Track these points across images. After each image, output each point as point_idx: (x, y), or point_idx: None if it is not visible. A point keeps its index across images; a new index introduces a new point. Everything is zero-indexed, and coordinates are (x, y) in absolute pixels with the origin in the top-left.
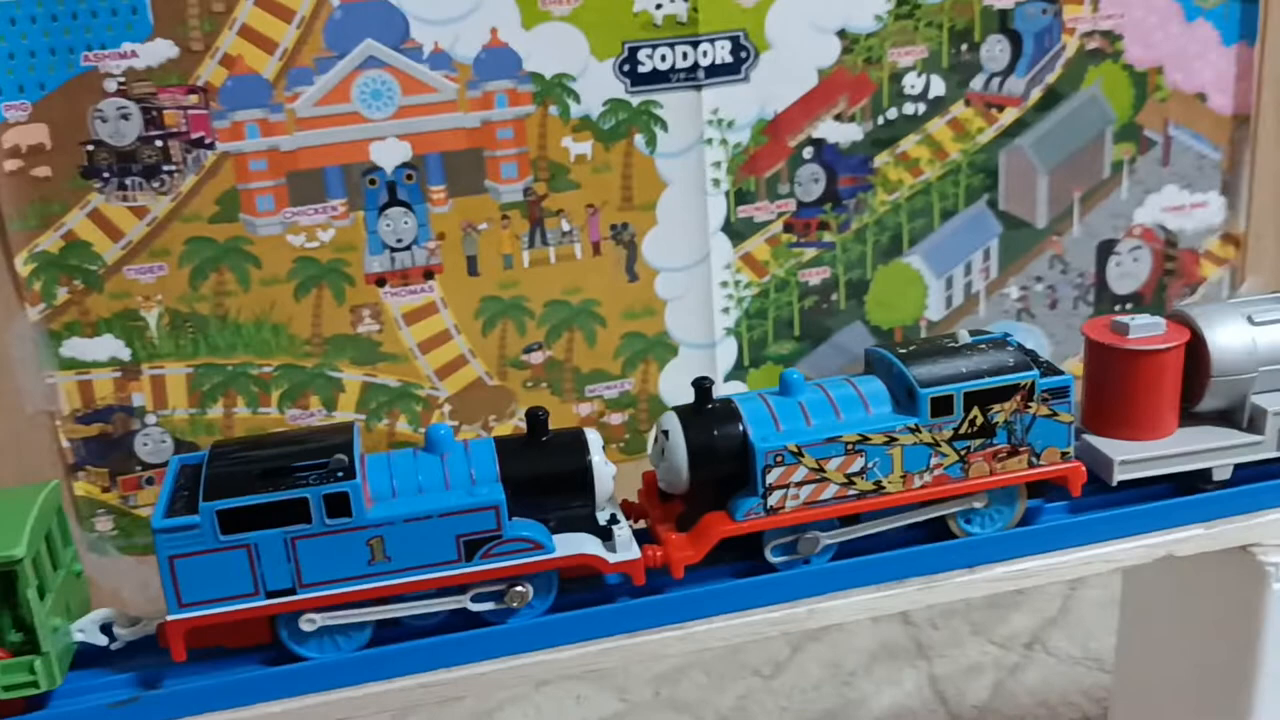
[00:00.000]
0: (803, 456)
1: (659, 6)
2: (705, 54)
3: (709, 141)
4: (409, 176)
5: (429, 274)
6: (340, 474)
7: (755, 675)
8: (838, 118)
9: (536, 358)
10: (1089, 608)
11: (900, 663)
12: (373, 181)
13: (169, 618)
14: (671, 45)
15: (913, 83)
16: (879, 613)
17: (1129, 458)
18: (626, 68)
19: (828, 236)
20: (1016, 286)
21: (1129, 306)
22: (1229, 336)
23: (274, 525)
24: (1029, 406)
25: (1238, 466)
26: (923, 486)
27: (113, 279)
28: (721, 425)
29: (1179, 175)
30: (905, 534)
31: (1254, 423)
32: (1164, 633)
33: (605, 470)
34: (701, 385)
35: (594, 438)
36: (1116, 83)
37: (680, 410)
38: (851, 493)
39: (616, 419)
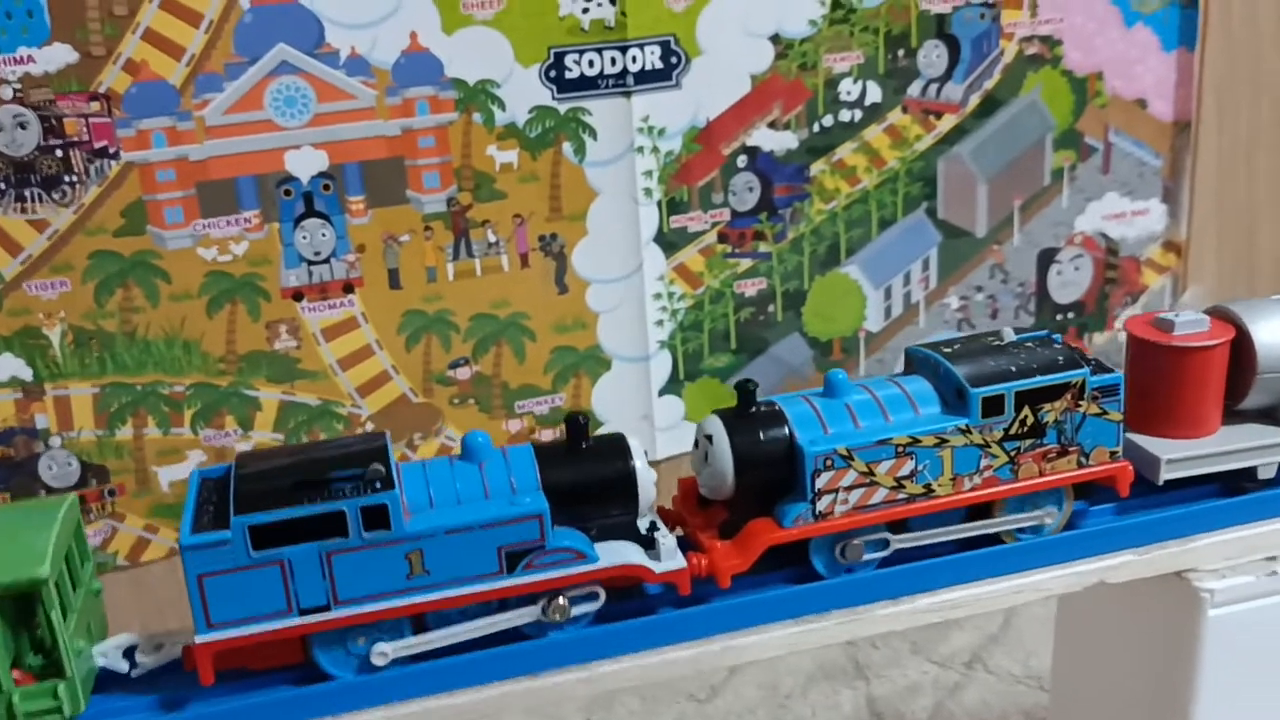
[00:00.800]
0: (853, 460)
1: (586, 11)
2: (635, 60)
3: (640, 150)
4: (326, 187)
5: (349, 288)
6: (378, 484)
7: (690, 700)
8: (772, 125)
9: (463, 373)
10: (1031, 624)
11: (838, 684)
12: (288, 192)
13: (198, 639)
14: (599, 51)
15: (849, 89)
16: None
17: (1175, 456)
18: (553, 74)
19: (763, 247)
20: (957, 296)
21: (1070, 316)
22: (1274, 333)
23: (308, 539)
24: (1079, 405)
25: None
26: (972, 489)
27: (12, 295)
28: (767, 428)
29: (1120, 182)
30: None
31: None
32: (1101, 656)
33: (648, 476)
34: (745, 388)
35: (635, 444)
36: (1056, 89)
37: (723, 414)
38: (901, 496)
39: (548, 435)
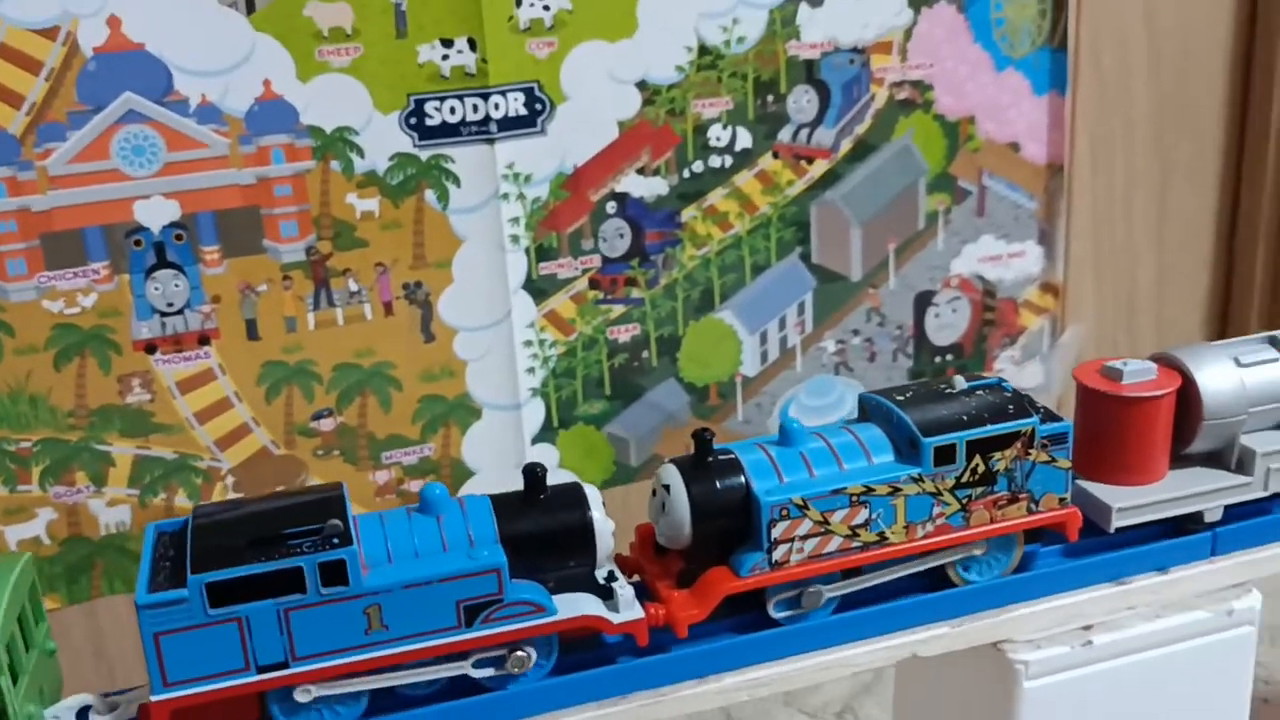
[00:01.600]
0: (808, 509)
1: (446, 58)
2: (497, 106)
3: (505, 196)
4: (179, 237)
5: (204, 339)
6: (335, 540)
7: None
8: (641, 171)
9: (327, 424)
10: None
11: None
12: (138, 243)
13: (154, 698)
14: (461, 97)
15: (718, 135)
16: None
17: (1126, 504)
18: (413, 121)
19: (636, 293)
20: (833, 340)
21: (949, 358)
22: (1219, 380)
23: (266, 596)
24: (1029, 453)
25: (1227, 507)
26: (925, 536)
27: None
28: (724, 478)
29: (995, 225)
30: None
31: (1242, 464)
32: None
33: (606, 527)
34: (702, 437)
35: (593, 493)
36: (928, 133)
37: (680, 463)
38: (855, 545)
39: (417, 486)
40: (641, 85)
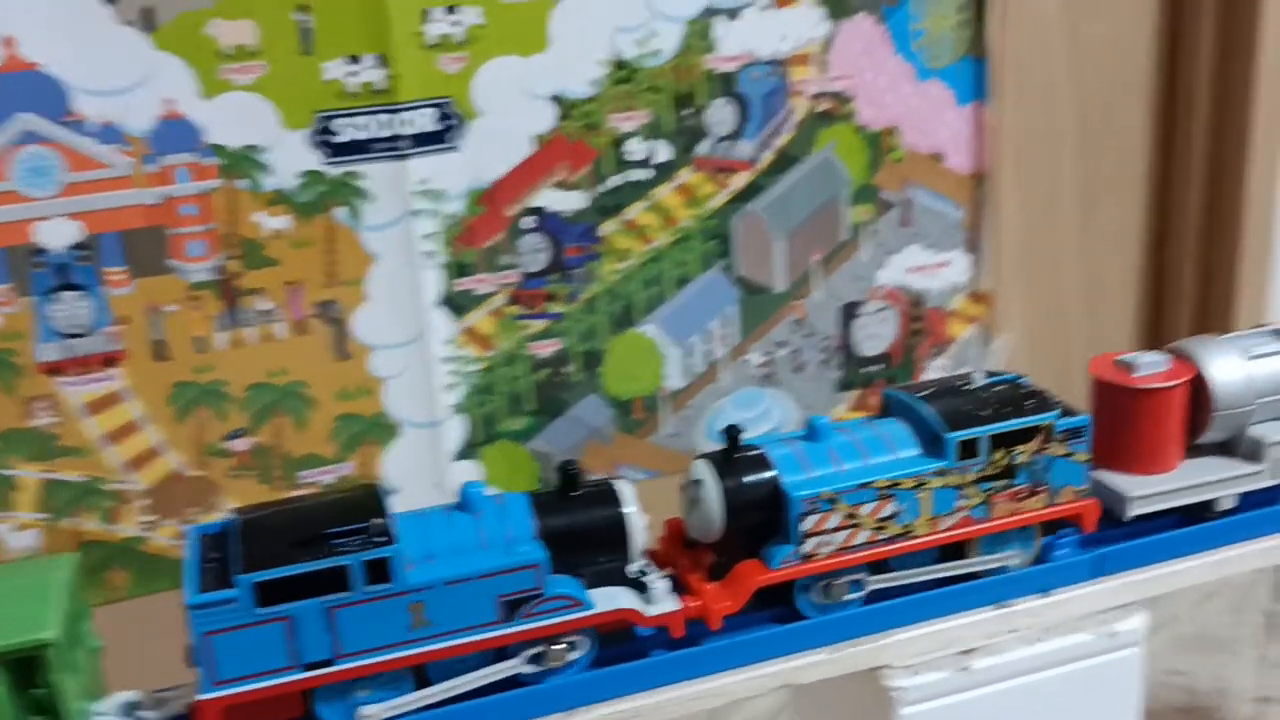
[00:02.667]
0: (837, 503)
1: (354, 74)
2: (408, 123)
3: (419, 213)
4: (82, 258)
5: (111, 360)
6: (380, 539)
7: None
8: (559, 186)
9: (241, 445)
10: None
11: None
12: (40, 265)
13: (203, 696)
14: (370, 114)
15: (636, 148)
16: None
17: (1141, 493)
18: (321, 138)
19: (556, 308)
20: (759, 352)
21: (878, 369)
22: (1228, 371)
23: (312, 595)
24: (1048, 447)
25: (1240, 496)
26: (949, 529)
27: None
28: (754, 472)
29: (921, 235)
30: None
31: (1252, 453)
32: None
33: (639, 522)
34: (731, 432)
35: (626, 489)
36: (850, 144)
37: (711, 458)
38: (882, 537)
39: None
40: (556, 100)
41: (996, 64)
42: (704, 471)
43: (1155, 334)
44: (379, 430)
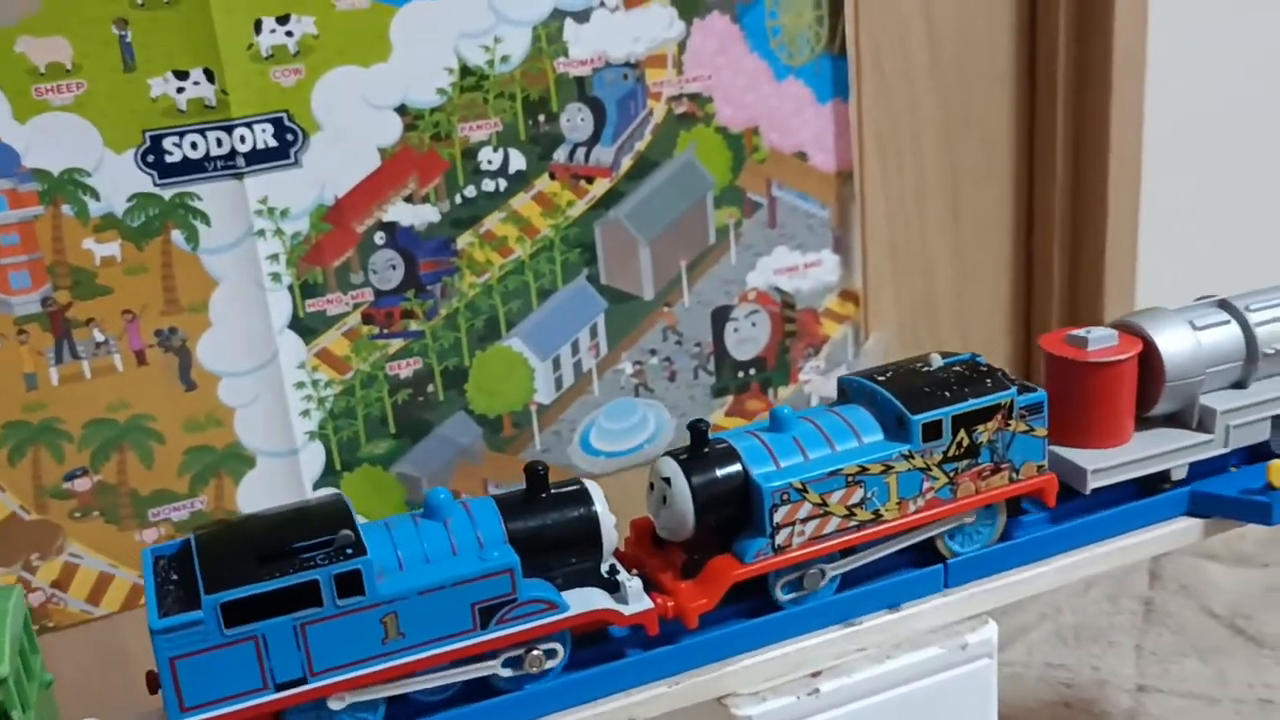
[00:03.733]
0: (807, 493)
1: (181, 90)
2: (243, 139)
3: (261, 233)
4: None
5: None
6: (349, 550)
7: None
8: (409, 199)
9: (82, 484)
10: None
11: None
12: None
13: None
14: (202, 131)
15: (489, 158)
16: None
17: (1099, 466)
18: (151, 158)
19: (414, 325)
20: (630, 362)
21: (752, 373)
22: (1178, 343)
23: (282, 612)
24: (1009, 424)
25: (1191, 465)
26: (916, 511)
27: None
28: (723, 466)
29: (788, 236)
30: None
31: (1204, 422)
32: None
33: (610, 521)
34: (697, 427)
35: (595, 489)
36: (711, 146)
37: (677, 455)
38: (852, 524)
39: None
40: (401, 110)
41: (855, 60)
42: (672, 469)
43: (1027, 324)
44: (233, 461)
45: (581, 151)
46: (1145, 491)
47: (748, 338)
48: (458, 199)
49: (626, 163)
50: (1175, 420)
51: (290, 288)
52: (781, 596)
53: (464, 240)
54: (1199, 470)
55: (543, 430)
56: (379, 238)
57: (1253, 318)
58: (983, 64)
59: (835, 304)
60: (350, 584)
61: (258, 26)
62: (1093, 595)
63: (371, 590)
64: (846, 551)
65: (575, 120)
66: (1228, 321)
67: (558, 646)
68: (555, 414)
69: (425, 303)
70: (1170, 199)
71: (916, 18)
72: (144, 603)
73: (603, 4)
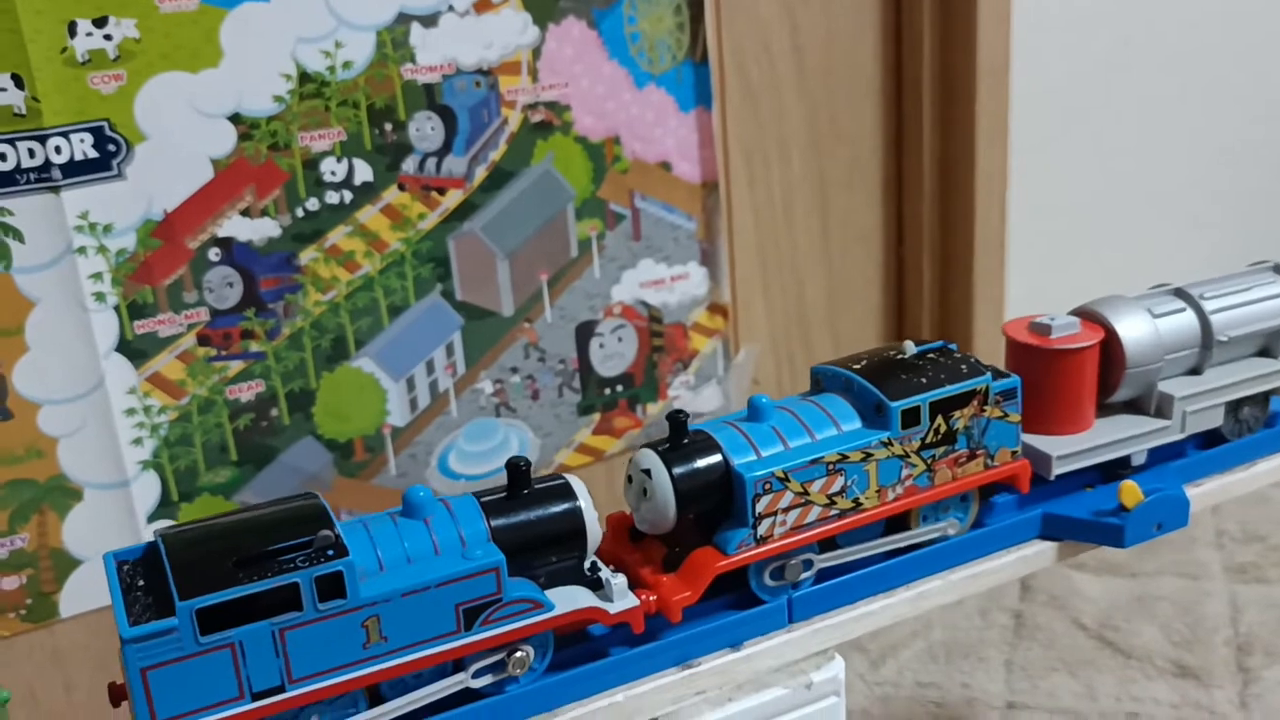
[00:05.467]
0: (789, 482)
1: None
2: (59, 150)
3: (82, 250)
4: None
5: None
6: (330, 551)
7: None
8: (246, 213)
9: None
10: None
11: None
12: None
13: None
14: (11, 141)
15: (332, 168)
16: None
17: (1064, 452)
18: None
19: (255, 346)
20: (490, 380)
21: (619, 389)
22: (1137, 329)
23: (260, 617)
24: (984, 410)
25: (1151, 451)
26: (895, 499)
27: None
28: (703, 457)
29: (654, 248)
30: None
31: (1161, 409)
32: None
33: (593, 516)
34: (676, 418)
35: (577, 483)
36: (570, 156)
37: (656, 447)
38: (833, 513)
39: (11, 583)
40: (235, 119)
41: (718, 68)
42: (651, 460)
43: (899, 334)
44: (57, 495)
45: (432, 162)
46: (1104, 478)
47: (614, 353)
48: (299, 212)
49: (481, 173)
50: (1134, 407)
51: (116, 308)
52: (761, 588)
53: (307, 256)
54: (1157, 456)
55: (398, 454)
56: (214, 254)
57: (1207, 305)
58: (849, 73)
59: (704, 317)
60: (332, 587)
61: (72, 29)
62: (964, 610)
63: (353, 593)
64: (826, 545)
65: (425, 129)
66: (1184, 309)
67: (537, 648)
68: (411, 436)
69: (266, 322)
70: (1036, 206)
71: (779, 26)
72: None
73: (452, 8)
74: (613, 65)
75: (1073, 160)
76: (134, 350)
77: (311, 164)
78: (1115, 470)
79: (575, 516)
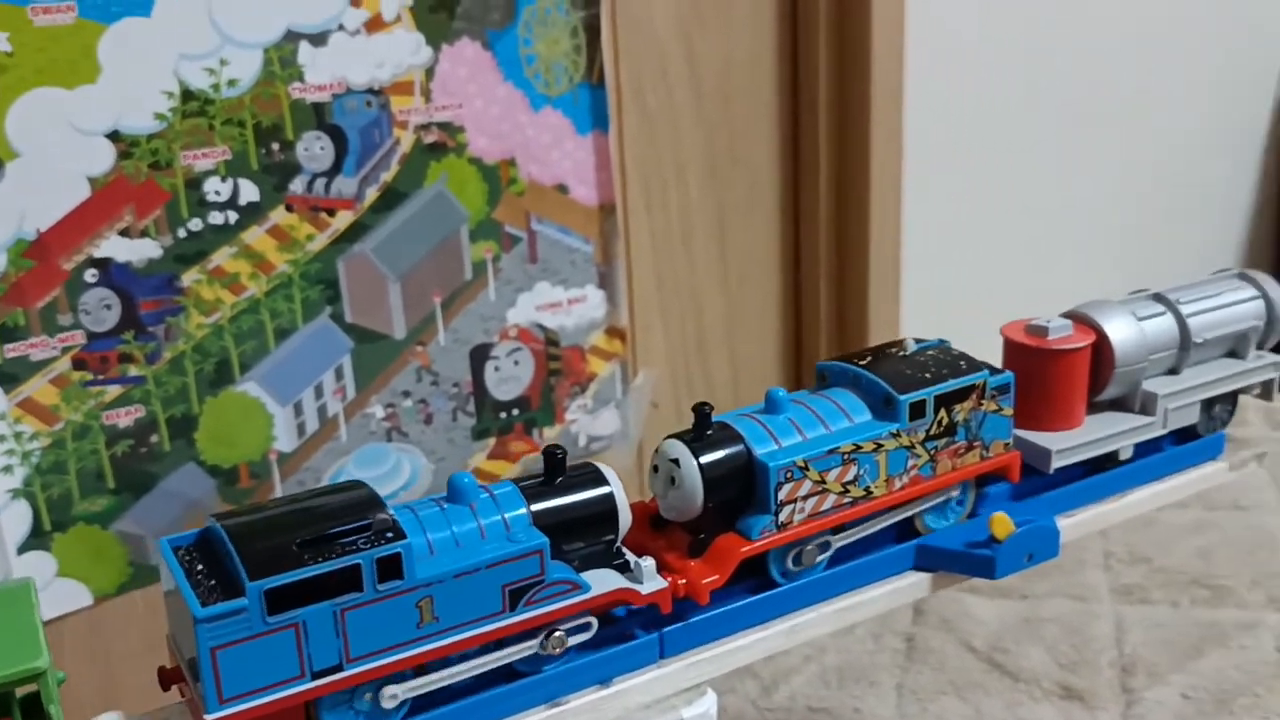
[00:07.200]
0: (808, 470)
1: None
2: None
3: None
4: None
5: None
6: (389, 534)
7: None
8: (125, 233)
9: None
10: None
11: None
12: None
13: (209, 717)
14: None
15: (216, 188)
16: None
17: (1062, 446)
18: None
19: (134, 370)
20: (381, 405)
21: (516, 413)
22: (1125, 331)
23: (323, 598)
24: (981, 404)
25: (1136, 446)
26: (901, 488)
27: None
28: (728, 447)
29: (551, 271)
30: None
31: (1145, 406)
32: None
33: (625, 500)
34: (702, 410)
35: (608, 470)
36: (464, 178)
37: (683, 438)
38: (846, 500)
39: None
40: (114, 136)
41: (615, 91)
42: (679, 450)
43: (798, 358)
44: None
45: (321, 182)
46: (1094, 470)
47: (510, 377)
48: (181, 232)
49: (372, 194)
50: (1119, 405)
51: None
52: (779, 572)
53: (190, 277)
54: (1141, 450)
55: (285, 480)
56: (90, 275)
57: (1185, 309)
58: (746, 98)
59: (602, 341)
60: (391, 568)
61: None
62: (858, 633)
63: (410, 574)
64: (837, 529)
65: (314, 149)
66: (1164, 313)
67: (574, 629)
68: (299, 462)
69: (146, 345)
70: (932, 228)
71: (676, 50)
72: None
73: (342, 27)
74: (508, 87)
75: (968, 183)
76: (4, 375)
77: (194, 183)
78: (1104, 464)
79: (608, 501)
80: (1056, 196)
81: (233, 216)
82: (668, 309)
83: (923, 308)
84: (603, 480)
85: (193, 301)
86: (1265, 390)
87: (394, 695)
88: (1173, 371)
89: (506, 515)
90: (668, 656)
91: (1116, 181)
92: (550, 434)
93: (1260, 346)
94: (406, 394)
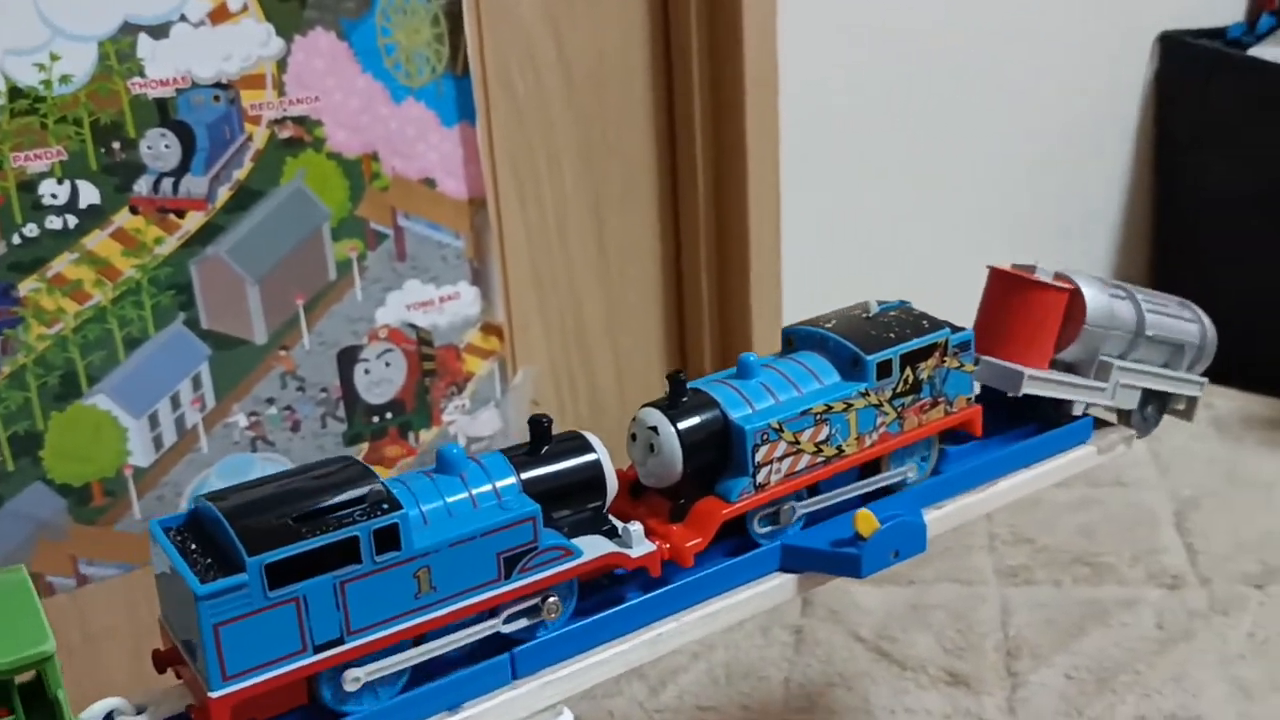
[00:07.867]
0: (783, 432)
1: None
2: None
3: None
4: None
5: None
6: (385, 506)
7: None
8: None
9: None
10: None
11: None
12: None
13: (214, 694)
14: None
15: (52, 190)
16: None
17: (1033, 375)
18: None
19: None
20: (244, 413)
21: (389, 416)
22: (1099, 298)
23: (322, 571)
24: (944, 361)
25: (1009, 432)
26: (871, 445)
27: None
28: (704, 413)
29: (420, 268)
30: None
31: (1100, 373)
32: None
33: (611, 467)
34: (677, 377)
35: (593, 437)
36: (323, 174)
37: (659, 405)
38: (820, 460)
39: None
40: None
41: (481, 81)
42: (657, 418)
43: (681, 351)
44: None
45: (169, 182)
46: (1047, 425)
47: (381, 379)
48: (16, 239)
49: (224, 193)
50: (1074, 370)
51: None
52: (759, 532)
53: (27, 286)
54: (1013, 436)
55: (142, 496)
56: None
57: (1141, 301)
58: (619, 85)
59: (478, 339)
60: (388, 539)
61: None
62: (746, 628)
63: (407, 544)
64: (812, 489)
65: (158, 147)
66: (1126, 298)
67: (564, 595)
68: (157, 477)
69: None
70: (811, 214)
71: (544, 37)
72: None
73: (184, 18)
74: (367, 78)
75: (845, 168)
76: None
77: (28, 186)
78: (1058, 418)
79: (595, 467)
80: (934, 180)
81: (72, 220)
82: (545, 303)
83: (804, 295)
84: (589, 448)
85: (32, 312)
86: (1189, 407)
87: (356, 679)
88: (1121, 357)
89: (497, 484)
90: (520, 677)
91: (993, 164)
92: (427, 436)
93: (1189, 369)
94: (271, 401)
